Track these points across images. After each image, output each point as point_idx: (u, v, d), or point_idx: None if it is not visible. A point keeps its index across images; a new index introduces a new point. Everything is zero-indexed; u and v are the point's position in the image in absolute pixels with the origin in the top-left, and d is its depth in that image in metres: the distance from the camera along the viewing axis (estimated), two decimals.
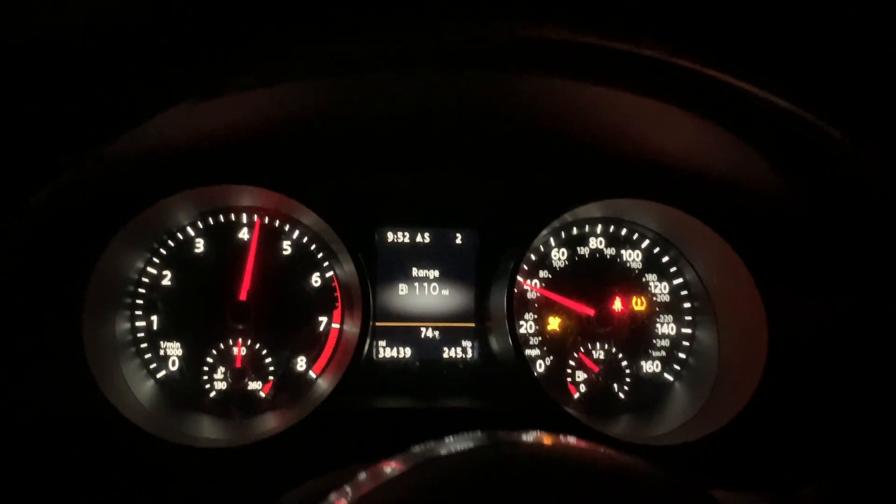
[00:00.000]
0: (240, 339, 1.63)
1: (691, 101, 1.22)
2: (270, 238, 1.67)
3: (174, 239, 1.64)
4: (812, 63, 0.75)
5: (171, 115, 1.18)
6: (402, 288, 1.71)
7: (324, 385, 1.61)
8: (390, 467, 0.66)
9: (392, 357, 1.69)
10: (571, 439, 0.71)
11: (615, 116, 1.40)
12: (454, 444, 0.67)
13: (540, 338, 1.72)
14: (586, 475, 0.61)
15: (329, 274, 1.69)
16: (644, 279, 1.75)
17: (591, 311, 1.70)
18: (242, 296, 1.62)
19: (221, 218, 1.66)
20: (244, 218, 1.66)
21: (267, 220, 1.67)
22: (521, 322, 1.71)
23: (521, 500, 0.57)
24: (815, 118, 1.02)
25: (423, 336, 1.71)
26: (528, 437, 0.70)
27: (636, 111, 1.35)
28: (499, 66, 1.21)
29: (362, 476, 0.66)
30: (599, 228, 1.75)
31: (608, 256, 1.75)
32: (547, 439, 0.70)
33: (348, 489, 0.64)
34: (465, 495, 0.59)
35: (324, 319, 1.68)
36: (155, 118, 1.15)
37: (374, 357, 1.68)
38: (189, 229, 1.64)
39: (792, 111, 1.02)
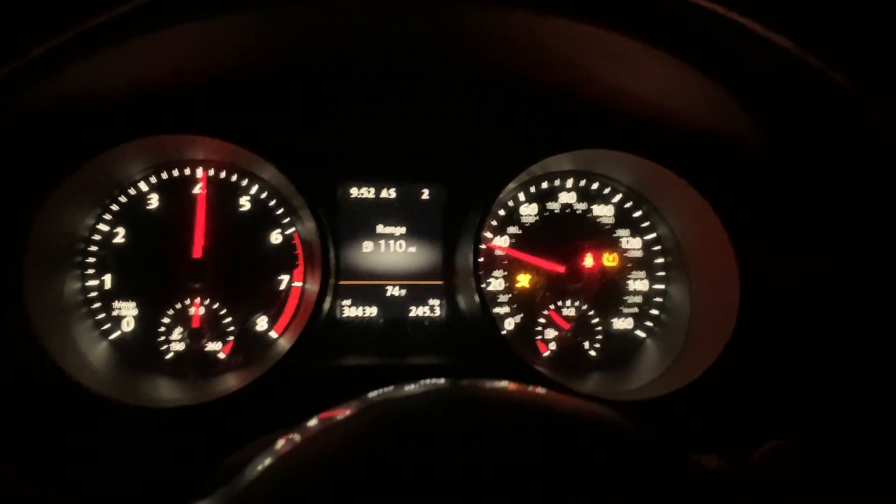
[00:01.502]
0: (197, 299, 1.57)
1: (670, 41, 1.15)
2: (227, 193, 1.60)
3: (126, 194, 1.56)
4: (820, 5, 0.70)
5: (115, 55, 1.12)
6: (367, 245, 1.65)
7: (285, 345, 1.55)
8: (341, 414, 0.62)
9: (356, 316, 1.64)
10: (535, 388, 0.67)
11: (588, 60, 1.33)
12: (408, 388, 0.63)
13: (509, 295, 1.67)
14: (544, 417, 0.59)
15: (290, 231, 1.62)
16: (616, 234, 1.71)
17: (561, 269, 1.66)
18: (198, 253, 1.55)
19: (175, 172, 1.58)
20: (199, 172, 1.59)
21: (224, 173, 1.60)
22: (490, 279, 1.66)
23: (471, 440, 0.54)
24: (822, 62, 0.97)
25: (388, 295, 1.66)
26: (487, 383, 0.66)
27: (610, 53, 1.28)
28: None
29: (312, 422, 0.63)
30: (570, 182, 1.70)
31: (579, 211, 1.70)
32: (508, 385, 0.67)
33: (296, 435, 0.61)
34: (412, 436, 0.55)
35: (285, 278, 1.62)
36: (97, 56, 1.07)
37: (338, 316, 1.63)
38: (142, 184, 1.57)
39: (794, 53, 0.97)
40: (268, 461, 0.59)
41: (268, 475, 0.56)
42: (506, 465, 0.52)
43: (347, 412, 0.61)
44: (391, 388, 0.66)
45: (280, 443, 0.64)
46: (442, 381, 0.67)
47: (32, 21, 0.87)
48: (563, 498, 0.50)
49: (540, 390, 0.66)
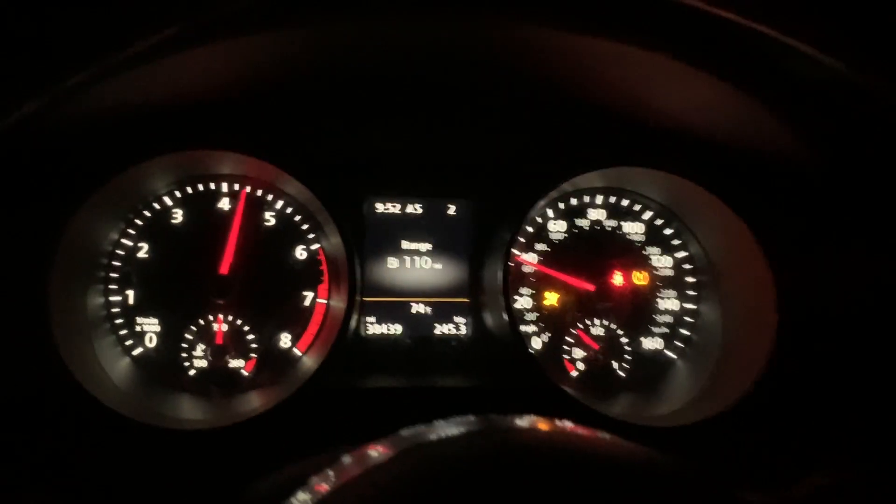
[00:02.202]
0: (220, 315, 1.55)
1: (701, 56, 1.13)
2: (252, 208, 1.58)
3: (150, 209, 1.55)
4: (857, 18, 0.68)
5: (143, 73, 1.10)
6: (392, 261, 1.63)
7: (309, 363, 1.53)
8: (376, 451, 0.62)
9: (381, 334, 1.61)
10: (568, 424, 0.66)
11: (618, 76, 1.31)
12: (444, 428, 0.61)
13: (537, 314, 1.64)
14: (582, 466, 0.57)
15: (315, 246, 1.60)
16: (646, 252, 1.67)
17: (590, 287, 1.62)
18: (224, 269, 1.53)
19: (200, 187, 1.57)
20: (224, 187, 1.57)
21: (249, 189, 1.58)
22: (517, 297, 1.63)
23: (511, 492, 0.53)
24: (858, 73, 0.94)
25: (413, 312, 1.63)
26: (522, 422, 0.65)
27: (641, 70, 1.26)
28: (497, 12, 1.11)
29: (347, 460, 0.62)
30: (600, 199, 1.67)
31: (609, 229, 1.67)
32: (542, 424, 0.65)
33: (331, 473, 0.60)
34: (453, 486, 0.54)
35: (309, 294, 1.59)
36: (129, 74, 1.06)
37: (363, 333, 1.60)
38: (166, 198, 1.55)
39: (825, 63, 0.94)
40: (307, 497, 0.58)
41: None
42: None
43: (384, 455, 0.60)
44: (423, 427, 0.64)
45: (316, 479, 0.62)
46: (477, 421, 0.64)
47: (67, 50, 0.86)
48: None
49: (582, 430, 0.64)
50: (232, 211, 1.56)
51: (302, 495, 0.60)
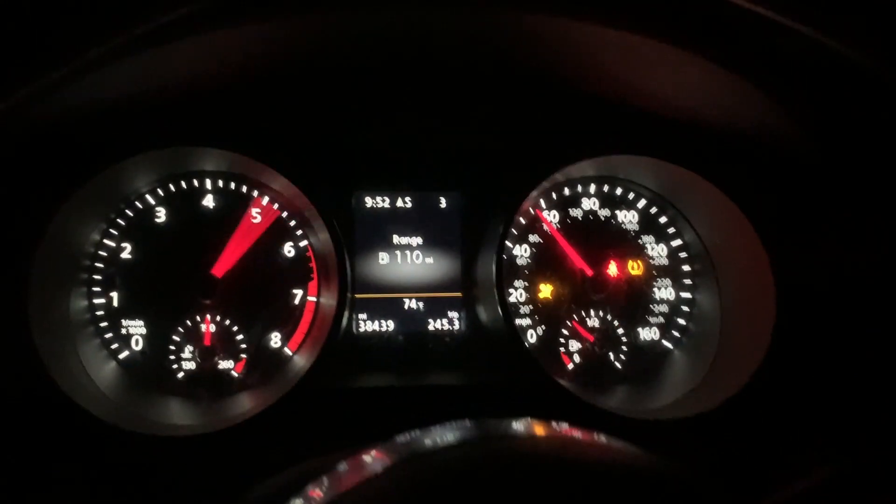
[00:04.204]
0: (208, 315, 1.51)
1: (695, 39, 1.10)
2: (238, 205, 1.54)
3: (133, 208, 1.51)
4: None
5: (123, 67, 1.07)
6: (383, 257, 1.59)
7: (301, 362, 1.50)
8: (371, 458, 0.60)
9: (373, 331, 1.58)
10: (564, 427, 0.65)
11: (609, 61, 1.28)
12: (440, 434, 0.59)
13: (531, 306, 1.61)
14: (581, 475, 0.56)
15: (303, 243, 1.56)
16: (640, 241, 1.65)
17: (588, 270, 1.59)
18: (211, 269, 1.49)
19: (183, 184, 1.53)
20: (208, 184, 1.53)
21: (234, 185, 1.54)
22: (511, 290, 1.60)
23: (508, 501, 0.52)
24: (858, 56, 0.92)
25: (406, 308, 1.60)
26: (519, 427, 0.64)
27: (632, 55, 1.22)
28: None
29: (342, 467, 0.61)
30: (593, 188, 1.64)
31: (602, 218, 1.64)
32: (539, 429, 0.65)
33: (326, 481, 0.59)
34: (450, 498, 0.53)
35: (299, 292, 1.56)
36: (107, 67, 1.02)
37: (354, 331, 1.57)
38: (149, 197, 1.51)
39: (818, 42, 0.91)
40: None
41: None
42: None
43: (380, 463, 0.58)
44: (419, 433, 0.63)
45: (312, 486, 0.60)
46: (473, 427, 0.63)
47: (47, 42, 0.83)
48: None
49: (579, 434, 0.64)
50: (219, 209, 1.53)
51: (298, 503, 0.59)
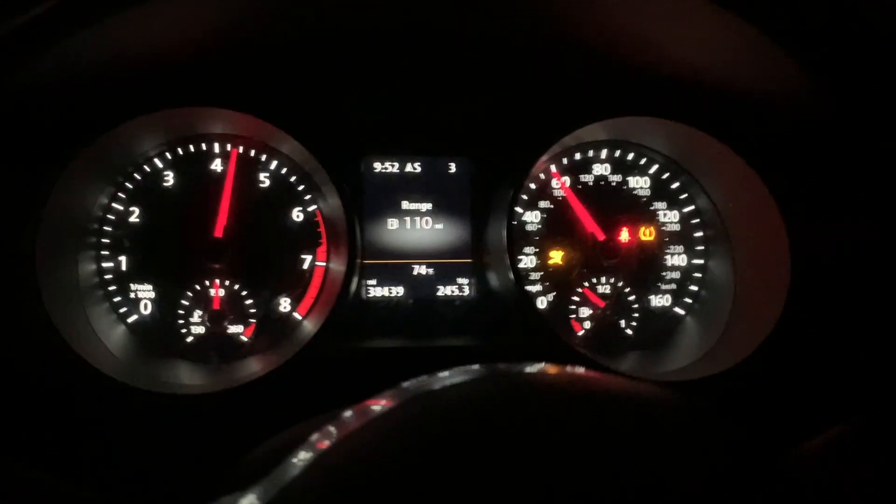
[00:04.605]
0: (217, 280, 1.50)
1: None
2: (246, 169, 1.53)
3: (141, 171, 1.50)
4: None
5: (130, 20, 1.05)
6: (392, 222, 1.58)
7: (310, 327, 1.49)
8: (378, 405, 0.58)
9: (382, 296, 1.57)
10: (579, 369, 0.64)
11: (619, 16, 1.24)
12: (448, 377, 0.57)
13: (541, 272, 1.60)
14: (595, 406, 0.54)
15: (312, 208, 1.55)
16: (652, 207, 1.62)
17: (600, 235, 1.57)
18: (218, 233, 1.48)
19: (191, 148, 1.51)
20: (216, 147, 1.52)
21: (242, 149, 1.52)
22: (521, 256, 1.58)
23: (520, 434, 0.50)
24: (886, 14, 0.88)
25: (415, 274, 1.59)
26: (530, 368, 0.62)
27: (645, 9, 1.19)
28: None
29: (347, 414, 0.59)
30: (604, 153, 1.62)
31: (614, 184, 1.62)
32: (551, 369, 0.63)
33: (332, 429, 0.57)
34: (459, 430, 0.50)
35: (307, 257, 1.55)
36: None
37: (364, 296, 1.56)
38: (157, 161, 1.50)
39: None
40: (308, 455, 0.54)
41: (311, 471, 0.51)
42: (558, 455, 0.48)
43: (386, 404, 0.56)
44: (425, 376, 0.62)
45: (317, 436, 0.59)
46: (482, 368, 0.62)
47: None
48: (614, 478, 0.46)
49: (586, 372, 0.63)
50: (224, 172, 1.51)
51: (304, 454, 0.57)
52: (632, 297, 1.61)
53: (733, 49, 1.23)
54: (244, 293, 1.52)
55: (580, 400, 0.55)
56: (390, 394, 0.59)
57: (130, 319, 1.49)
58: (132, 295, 1.49)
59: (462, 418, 0.52)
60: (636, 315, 1.61)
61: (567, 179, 1.60)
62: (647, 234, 1.62)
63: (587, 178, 1.61)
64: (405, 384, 0.60)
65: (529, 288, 1.58)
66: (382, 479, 0.47)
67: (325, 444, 0.57)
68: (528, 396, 0.55)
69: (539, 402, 0.54)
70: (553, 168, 1.60)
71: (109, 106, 1.28)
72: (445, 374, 0.59)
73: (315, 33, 1.35)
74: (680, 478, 0.47)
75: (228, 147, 1.52)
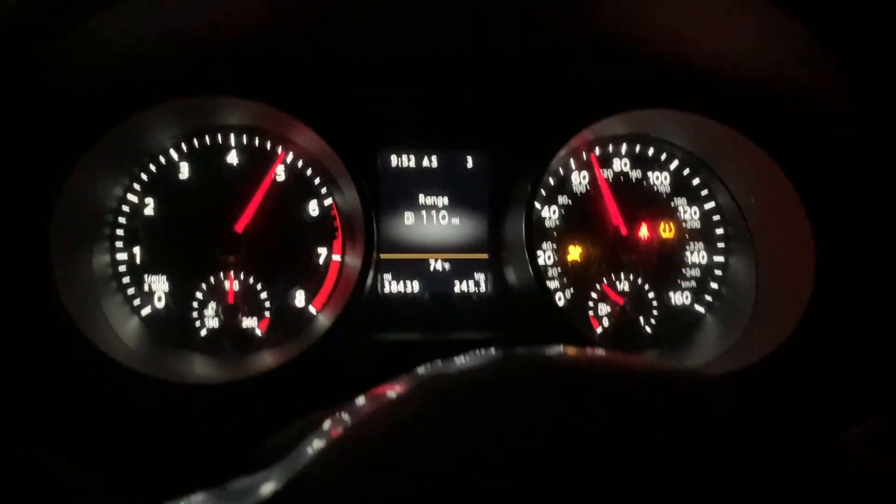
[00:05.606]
0: (231, 273, 1.49)
1: None
2: (262, 162, 1.51)
3: (156, 163, 1.49)
4: None
5: (146, 8, 1.04)
6: (408, 216, 1.56)
7: (325, 321, 1.48)
8: (393, 391, 0.58)
9: (399, 292, 1.55)
10: (599, 351, 0.63)
11: (641, 7, 1.22)
12: (464, 362, 0.57)
13: (559, 269, 1.57)
14: (619, 385, 0.53)
15: (328, 202, 1.54)
16: (672, 204, 1.60)
17: (624, 229, 1.55)
18: (235, 226, 1.47)
19: (207, 140, 1.50)
20: (232, 139, 1.51)
21: (257, 141, 1.51)
22: (539, 252, 1.56)
23: (539, 414, 0.50)
24: None
25: (431, 269, 1.57)
26: (550, 350, 0.61)
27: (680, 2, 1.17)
28: None
29: (360, 401, 0.59)
30: (624, 148, 1.59)
31: (633, 179, 1.59)
32: (571, 351, 0.62)
33: (345, 416, 0.56)
34: (476, 411, 0.50)
35: (323, 251, 1.53)
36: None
37: (379, 291, 1.54)
38: (172, 152, 1.49)
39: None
40: (322, 441, 0.53)
41: (325, 454, 0.50)
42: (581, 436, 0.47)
43: (400, 388, 0.55)
44: (440, 362, 0.61)
45: (331, 423, 0.58)
46: (500, 351, 0.61)
47: None
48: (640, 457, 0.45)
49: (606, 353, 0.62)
50: (244, 165, 1.50)
51: (317, 441, 0.56)
52: (651, 295, 1.58)
53: (761, 42, 1.20)
54: (259, 287, 1.50)
55: (606, 378, 0.54)
56: (403, 379, 0.57)
57: (144, 312, 1.48)
58: (146, 287, 1.48)
59: (482, 400, 0.50)
60: (656, 313, 1.58)
61: (584, 178, 1.58)
62: (667, 230, 1.59)
63: (607, 174, 1.59)
64: (420, 369, 0.59)
65: (548, 284, 1.55)
66: (405, 460, 0.46)
67: (339, 432, 0.56)
68: (550, 376, 0.54)
69: (562, 382, 0.53)
70: (594, 154, 1.57)
71: (125, 95, 1.27)
72: (461, 358, 0.58)
73: (334, 25, 1.34)
74: (710, 457, 0.46)
75: (245, 139, 1.51)
